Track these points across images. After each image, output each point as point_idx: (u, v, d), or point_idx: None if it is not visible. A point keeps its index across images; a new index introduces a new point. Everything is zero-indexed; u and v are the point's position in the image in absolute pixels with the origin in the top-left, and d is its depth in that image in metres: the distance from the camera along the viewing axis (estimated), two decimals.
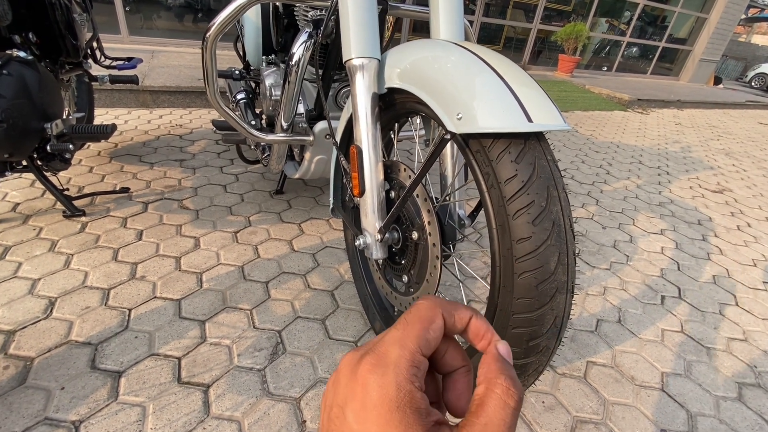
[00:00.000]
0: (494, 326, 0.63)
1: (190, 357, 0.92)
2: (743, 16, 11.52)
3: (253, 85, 1.84)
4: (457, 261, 1.05)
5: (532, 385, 0.93)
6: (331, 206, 1.03)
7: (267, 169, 1.89)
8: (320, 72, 1.14)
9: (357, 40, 0.74)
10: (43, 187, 1.36)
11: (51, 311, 0.99)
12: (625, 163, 2.83)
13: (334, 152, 0.98)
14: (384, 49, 1.08)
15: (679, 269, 1.59)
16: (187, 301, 1.08)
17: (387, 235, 0.79)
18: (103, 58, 1.70)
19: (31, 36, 1.22)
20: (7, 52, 1.11)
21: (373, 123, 0.76)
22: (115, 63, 1.75)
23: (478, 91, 0.56)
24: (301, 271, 1.26)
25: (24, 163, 1.21)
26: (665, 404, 0.98)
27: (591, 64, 7.64)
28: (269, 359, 0.95)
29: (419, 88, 0.65)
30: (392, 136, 0.98)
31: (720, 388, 1.06)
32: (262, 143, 1.43)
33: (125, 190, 1.53)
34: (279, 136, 1.20)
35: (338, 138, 0.94)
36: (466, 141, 0.61)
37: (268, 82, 1.34)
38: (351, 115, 0.79)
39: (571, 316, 1.23)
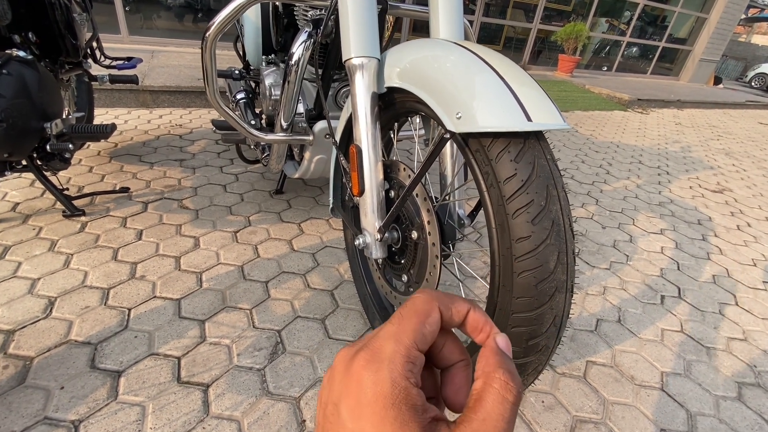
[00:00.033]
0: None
1: (190, 356, 0.92)
2: (743, 16, 11.52)
3: (253, 84, 1.84)
4: (456, 260, 1.05)
5: (532, 384, 0.93)
6: (331, 206, 1.03)
7: (267, 169, 1.89)
8: (320, 71, 1.14)
9: (357, 40, 0.74)
10: (42, 186, 1.36)
11: (50, 311, 0.99)
12: (625, 163, 2.83)
13: (334, 152, 0.98)
14: (384, 49, 1.08)
15: (678, 269, 1.59)
16: (186, 300, 1.08)
17: (386, 234, 0.79)
18: (102, 58, 1.70)
19: (30, 36, 1.22)
20: (7, 51, 1.11)
21: (373, 122, 0.76)
22: (114, 63, 1.75)
23: (477, 91, 0.56)
24: (300, 271, 1.26)
25: (24, 162, 1.21)
26: (665, 404, 0.98)
27: (591, 64, 7.64)
28: (269, 359, 0.95)
29: (419, 87, 0.65)
30: (392, 135, 0.98)
31: (720, 388, 1.06)
32: (262, 143, 1.43)
33: (125, 189, 1.53)
34: (279, 136, 1.20)
35: (338, 137, 0.94)
36: (465, 140, 0.61)
37: (267, 81, 1.34)
38: (351, 114, 0.79)
39: (570, 316, 1.23)
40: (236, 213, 1.52)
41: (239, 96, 1.58)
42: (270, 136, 1.18)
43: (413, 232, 0.76)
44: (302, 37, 1.07)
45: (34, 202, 1.41)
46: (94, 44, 1.62)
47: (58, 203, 1.38)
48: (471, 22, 5.75)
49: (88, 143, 1.87)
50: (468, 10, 5.70)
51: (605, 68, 7.78)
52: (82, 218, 1.36)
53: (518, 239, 0.56)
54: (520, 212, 0.55)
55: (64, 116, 1.28)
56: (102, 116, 2.30)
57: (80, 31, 1.41)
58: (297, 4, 1.15)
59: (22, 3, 1.17)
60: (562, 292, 0.58)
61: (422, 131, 0.99)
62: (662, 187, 2.50)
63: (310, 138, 1.20)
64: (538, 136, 0.58)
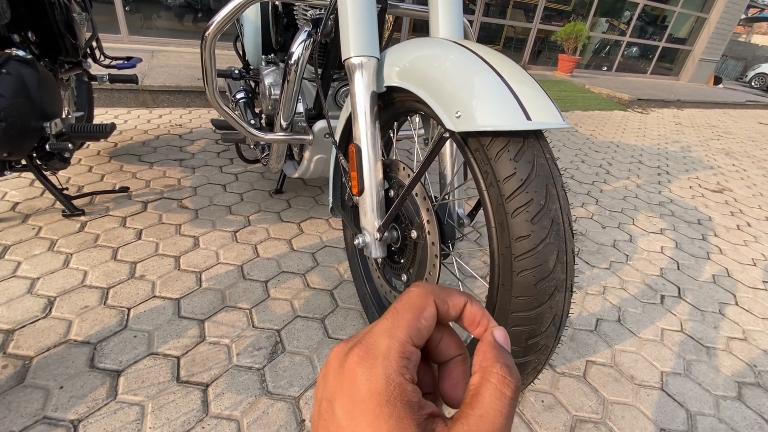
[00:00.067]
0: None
1: (189, 356, 0.92)
2: (743, 16, 11.52)
3: (253, 84, 1.84)
4: (456, 260, 1.05)
5: (531, 383, 0.93)
6: (331, 205, 1.03)
7: (266, 169, 1.89)
8: (319, 71, 1.14)
9: (356, 39, 0.74)
10: (42, 186, 1.36)
11: (50, 310, 0.99)
12: (625, 163, 2.83)
13: (334, 151, 0.98)
14: (384, 48, 1.08)
15: (678, 269, 1.59)
16: (186, 300, 1.08)
17: (386, 234, 0.78)
18: (102, 58, 1.70)
19: (30, 35, 1.22)
20: (6, 51, 1.10)
21: (372, 122, 0.76)
22: (114, 62, 1.75)
23: (476, 90, 0.56)
24: (300, 271, 1.26)
25: (23, 162, 1.21)
26: (665, 403, 0.98)
27: (591, 63, 7.64)
28: (268, 358, 0.95)
29: (418, 86, 0.65)
30: (391, 135, 0.98)
31: (720, 388, 1.05)
32: (262, 142, 1.43)
33: (125, 189, 1.53)
34: (278, 136, 1.20)
35: (337, 137, 0.94)
36: (465, 139, 0.61)
37: (267, 81, 1.34)
38: (350, 114, 0.79)
39: (570, 315, 1.23)
40: (236, 212, 1.52)
41: (239, 95, 1.58)
42: (269, 136, 1.18)
43: (413, 231, 0.76)
44: (302, 36, 1.07)
45: (34, 201, 1.41)
46: (94, 44, 1.62)
47: (58, 203, 1.38)
48: (471, 22, 5.75)
49: (87, 143, 1.87)
50: (468, 9, 5.70)
51: (605, 68, 7.79)
52: (82, 218, 1.35)
53: (518, 238, 0.56)
54: (519, 211, 0.55)
55: (63, 116, 1.28)
56: (102, 116, 2.30)
57: (80, 31, 1.41)
58: (296, 4, 1.15)
59: (22, 2, 1.17)
60: (562, 292, 0.58)
61: (422, 130, 0.99)
62: (662, 186, 2.50)
63: (310, 137, 1.20)
64: (537, 135, 0.58)
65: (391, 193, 0.81)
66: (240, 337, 0.99)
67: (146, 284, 1.11)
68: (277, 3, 1.38)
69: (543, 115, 0.54)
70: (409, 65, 0.68)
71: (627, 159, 2.94)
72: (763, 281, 1.60)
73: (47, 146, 1.17)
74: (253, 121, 1.45)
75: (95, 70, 1.63)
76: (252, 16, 1.52)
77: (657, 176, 2.67)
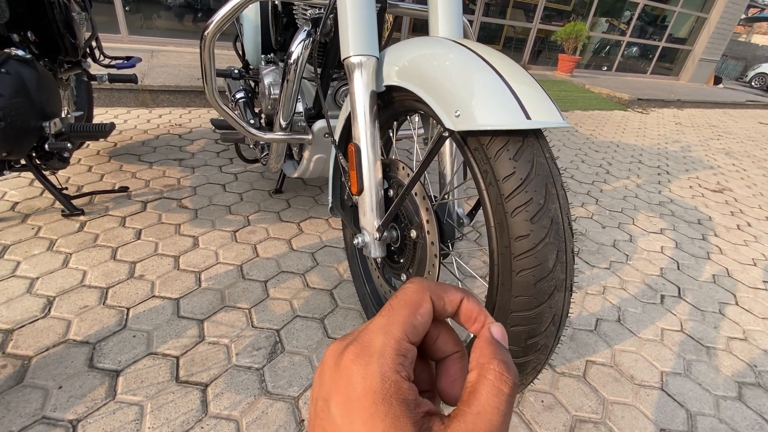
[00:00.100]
0: None
1: (189, 356, 0.92)
2: (743, 16, 11.52)
3: (253, 84, 1.84)
4: (455, 260, 1.05)
5: (531, 384, 0.93)
6: (330, 205, 1.03)
7: (266, 168, 1.89)
8: (319, 70, 1.14)
9: (355, 38, 0.74)
10: (41, 186, 1.36)
11: (49, 310, 0.99)
12: (625, 163, 2.83)
13: (333, 151, 0.98)
14: (383, 48, 1.08)
15: (678, 268, 1.59)
16: (185, 300, 1.08)
17: (385, 233, 0.78)
18: (102, 57, 1.70)
19: (29, 35, 1.22)
20: (6, 50, 1.10)
21: (372, 121, 0.76)
22: (114, 62, 1.74)
23: (476, 89, 0.56)
24: (300, 270, 1.26)
25: (22, 161, 1.21)
26: (665, 403, 0.98)
27: (591, 63, 7.64)
28: (268, 358, 0.95)
29: (417, 85, 0.65)
30: (391, 134, 0.97)
31: (720, 388, 1.05)
32: (261, 142, 1.43)
33: (124, 189, 1.53)
34: (278, 135, 1.19)
35: (337, 136, 0.93)
36: (464, 139, 0.60)
37: (266, 80, 1.33)
38: (350, 113, 0.79)
39: (570, 315, 1.23)
40: (235, 212, 1.52)
41: (238, 95, 1.58)
42: (269, 135, 1.18)
43: (412, 231, 0.76)
44: (301, 35, 1.06)
45: (33, 201, 1.41)
46: (94, 43, 1.62)
47: (57, 202, 1.38)
48: (471, 22, 5.75)
49: (87, 142, 1.87)
50: (468, 9, 5.70)
51: (605, 68, 7.78)
52: (81, 217, 1.35)
53: (517, 238, 0.55)
54: (518, 211, 0.55)
55: (62, 115, 1.28)
56: (101, 116, 2.30)
57: (79, 31, 1.41)
58: (296, 3, 1.15)
59: (21, 2, 1.16)
60: (561, 291, 0.58)
61: (421, 130, 0.99)
62: (662, 186, 2.50)
63: (309, 137, 1.20)
64: (537, 134, 0.58)
65: (391, 192, 0.80)
66: (239, 337, 0.99)
67: (145, 284, 1.11)
68: (276, 2, 1.38)
69: (542, 114, 0.54)
70: (408, 64, 0.68)
71: (627, 159, 2.93)
72: (764, 281, 1.60)
73: (46, 146, 1.17)
74: (252, 121, 1.45)
75: (95, 69, 1.63)
76: (251, 16, 1.52)
77: (657, 176, 2.67)
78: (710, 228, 2.01)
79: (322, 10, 1.12)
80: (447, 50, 0.63)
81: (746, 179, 2.96)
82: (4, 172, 1.14)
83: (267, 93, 1.32)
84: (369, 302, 1.06)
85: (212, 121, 1.34)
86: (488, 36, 6.23)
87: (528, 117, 0.53)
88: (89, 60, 1.59)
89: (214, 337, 0.98)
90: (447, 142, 0.85)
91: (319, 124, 1.20)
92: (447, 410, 0.19)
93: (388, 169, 0.80)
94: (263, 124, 1.44)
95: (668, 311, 1.33)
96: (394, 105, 0.79)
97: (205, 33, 0.93)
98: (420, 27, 5.38)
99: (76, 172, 1.64)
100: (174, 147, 2.00)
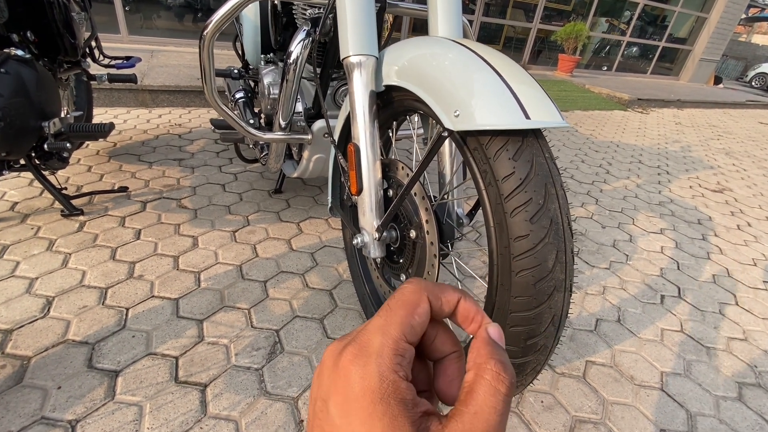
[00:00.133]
0: None
1: (188, 356, 0.92)
2: (743, 16, 11.52)
3: (252, 84, 1.84)
4: (455, 260, 1.05)
5: (531, 384, 0.93)
6: (330, 205, 1.03)
7: (266, 168, 1.89)
8: (318, 70, 1.14)
9: (354, 38, 0.74)
10: (41, 186, 1.36)
11: (48, 310, 0.99)
12: (625, 163, 2.83)
13: (333, 151, 0.97)
14: (383, 48, 1.08)
15: (678, 268, 1.59)
16: (184, 300, 1.08)
17: (385, 233, 0.78)
18: (101, 57, 1.70)
19: (29, 34, 1.22)
20: (5, 50, 1.10)
21: (371, 121, 0.76)
22: (113, 62, 1.74)
23: (475, 89, 0.56)
24: (299, 271, 1.26)
25: (22, 161, 1.21)
26: (665, 404, 0.98)
27: (591, 63, 7.63)
28: (267, 358, 0.94)
29: (417, 85, 0.65)
30: (390, 134, 0.97)
31: (720, 388, 1.05)
32: (261, 142, 1.43)
33: (124, 189, 1.53)
34: (277, 135, 1.19)
35: (336, 136, 0.93)
36: (463, 138, 0.60)
37: (266, 80, 1.33)
38: (349, 113, 0.78)
39: (569, 315, 1.23)
40: (235, 212, 1.52)
41: (238, 95, 1.58)
42: (268, 135, 1.18)
43: (411, 231, 0.76)
44: (300, 35, 1.06)
45: (33, 201, 1.41)
46: (93, 43, 1.62)
47: (57, 202, 1.38)
48: (471, 22, 5.75)
49: (86, 142, 1.87)
50: (468, 9, 5.70)
51: (605, 68, 7.78)
52: (81, 218, 1.35)
53: (516, 238, 0.55)
54: (518, 211, 0.55)
55: (62, 115, 1.28)
56: (101, 116, 2.30)
57: (79, 30, 1.41)
58: (295, 3, 1.15)
59: (21, 2, 1.16)
60: (561, 292, 0.58)
61: (421, 130, 0.99)
62: (662, 186, 2.50)
63: (309, 137, 1.20)
64: (536, 134, 0.58)
65: (390, 192, 0.80)
66: (238, 337, 0.99)
67: (145, 284, 1.11)
68: (276, 2, 1.38)
69: (542, 114, 0.54)
70: (407, 64, 0.68)
71: (627, 159, 2.93)
72: (764, 281, 1.60)
73: (46, 146, 1.17)
74: (252, 121, 1.45)
75: (94, 69, 1.63)
76: (251, 16, 1.52)
77: (657, 176, 2.67)
78: (710, 228, 2.01)
79: (321, 10, 1.12)
80: (446, 50, 0.63)
81: (746, 179, 2.95)
82: (4, 172, 1.14)
83: (266, 93, 1.32)
84: (368, 302, 1.06)
85: (212, 121, 1.34)
86: (488, 36, 6.23)
87: (527, 117, 0.53)
88: (89, 60, 1.59)
89: (213, 337, 0.98)
90: (446, 142, 0.85)
91: (319, 124, 1.19)
92: (445, 410, 0.19)
93: (388, 169, 0.80)
94: (263, 124, 1.43)
95: (668, 311, 1.32)
96: (393, 105, 0.79)
97: (204, 33, 0.92)
98: (420, 27, 5.38)
99: (76, 172, 1.64)
100: (174, 147, 2.00)
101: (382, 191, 0.79)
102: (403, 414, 0.17)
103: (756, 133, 4.94)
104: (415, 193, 0.73)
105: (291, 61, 1.07)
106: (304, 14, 1.16)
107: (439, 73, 0.61)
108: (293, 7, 1.25)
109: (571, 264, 0.57)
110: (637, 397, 0.99)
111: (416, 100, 0.69)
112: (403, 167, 0.76)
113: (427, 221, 0.72)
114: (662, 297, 1.40)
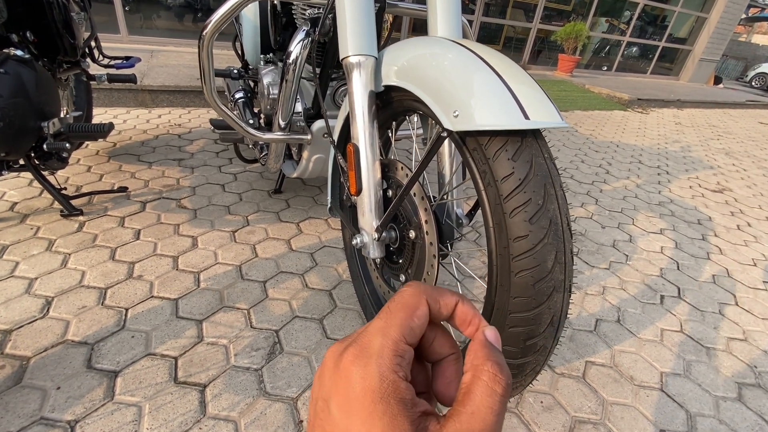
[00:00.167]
0: (491, 325, 0.63)
1: (187, 357, 0.92)
2: (743, 16, 11.51)
3: (252, 84, 1.84)
4: (454, 260, 1.05)
5: (530, 384, 0.93)
6: (329, 205, 1.02)
7: (265, 169, 1.89)
8: (318, 70, 1.14)
9: (354, 38, 0.74)
10: (40, 186, 1.36)
11: (47, 310, 0.99)
12: (625, 163, 2.83)
13: (332, 151, 0.97)
14: (383, 48, 1.08)
15: (678, 269, 1.59)
16: (184, 300, 1.08)
17: (384, 234, 0.78)
18: (101, 57, 1.70)
19: (28, 35, 1.22)
20: (5, 50, 1.10)
21: (370, 121, 0.75)
22: (113, 62, 1.74)
23: (475, 89, 0.56)
24: (299, 271, 1.26)
25: (21, 162, 1.21)
26: (664, 404, 0.98)
27: (591, 63, 7.63)
28: (266, 359, 0.94)
29: (416, 85, 0.65)
30: (390, 134, 0.97)
31: (720, 388, 1.05)
32: (260, 142, 1.43)
33: (123, 189, 1.53)
34: (277, 135, 1.19)
35: (336, 136, 0.93)
36: (463, 139, 0.60)
37: (265, 80, 1.33)
38: (348, 113, 0.78)
39: (569, 316, 1.23)
40: (234, 212, 1.51)
41: (237, 95, 1.58)
42: (268, 135, 1.17)
43: (411, 231, 0.76)
44: (300, 35, 1.06)
45: (32, 201, 1.41)
46: (93, 43, 1.62)
47: (56, 203, 1.38)
48: (471, 22, 5.75)
49: (86, 142, 1.87)
50: (468, 9, 5.70)
51: (605, 68, 7.78)
52: (80, 218, 1.35)
53: (516, 238, 0.55)
54: (517, 211, 0.55)
55: (61, 115, 1.28)
56: (101, 116, 2.30)
57: (78, 31, 1.41)
58: (295, 3, 1.15)
59: (20, 2, 1.16)
60: (560, 292, 0.57)
61: (420, 130, 0.99)
62: (662, 186, 2.50)
63: (308, 137, 1.20)
64: (535, 134, 0.58)
65: (390, 192, 0.80)
66: (238, 338, 0.99)
67: (144, 284, 1.11)
68: (275, 2, 1.38)
69: (541, 114, 0.54)
70: (407, 64, 0.68)
71: (627, 159, 2.93)
72: (764, 281, 1.60)
73: (45, 146, 1.17)
74: (251, 121, 1.44)
75: (94, 69, 1.62)
76: (250, 16, 1.52)
77: (657, 176, 2.67)
78: (710, 228, 2.01)
79: (320, 10, 1.12)
80: (446, 50, 0.63)
81: (746, 179, 2.95)
82: (3, 173, 1.14)
83: (266, 93, 1.32)
84: (368, 303, 1.06)
85: (211, 121, 1.34)
86: (488, 36, 6.23)
87: (527, 117, 0.53)
88: (88, 60, 1.58)
89: (212, 337, 0.98)
90: (446, 142, 0.85)
91: (318, 124, 1.19)
92: (443, 411, 0.19)
93: (387, 170, 0.80)
94: (262, 124, 1.43)
95: (668, 312, 1.32)
96: (392, 105, 0.79)
97: (204, 33, 0.92)
98: (419, 27, 5.38)
99: (75, 172, 1.63)
100: (173, 147, 2.00)
101: (381, 191, 0.79)
102: (402, 413, 0.18)
103: (756, 133, 4.94)
104: (415, 194, 0.73)
105: (290, 61, 1.07)
106: (304, 14, 1.16)
107: (439, 73, 0.61)
108: (293, 7, 1.25)
109: (570, 264, 0.57)
110: (637, 398, 0.99)
111: (415, 100, 0.69)
112: (402, 167, 0.76)
113: (426, 221, 0.72)
114: (662, 297, 1.39)
